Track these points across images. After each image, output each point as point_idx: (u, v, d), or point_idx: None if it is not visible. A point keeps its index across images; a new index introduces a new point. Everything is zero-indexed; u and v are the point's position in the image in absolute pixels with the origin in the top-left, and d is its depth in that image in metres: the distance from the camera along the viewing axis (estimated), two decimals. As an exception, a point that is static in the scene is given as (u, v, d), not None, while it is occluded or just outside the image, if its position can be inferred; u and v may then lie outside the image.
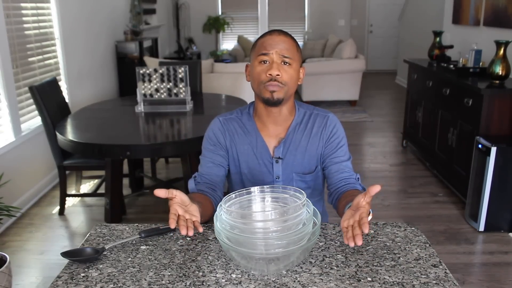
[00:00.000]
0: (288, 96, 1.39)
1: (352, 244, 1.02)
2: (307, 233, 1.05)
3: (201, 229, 1.13)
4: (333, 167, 1.46)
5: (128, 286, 1.04)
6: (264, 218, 1.13)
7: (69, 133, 2.62)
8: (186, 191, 1.42)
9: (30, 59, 3.47)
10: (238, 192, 1.17)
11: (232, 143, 1.48)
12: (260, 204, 1.19)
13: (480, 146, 2.80)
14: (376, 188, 1.04)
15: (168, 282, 1.05)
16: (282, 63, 1.35)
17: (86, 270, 1.11)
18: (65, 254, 1.15)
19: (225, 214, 1.08)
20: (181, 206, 1.13)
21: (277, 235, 1.02)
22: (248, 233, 1.04)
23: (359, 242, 1.00)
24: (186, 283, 1.05)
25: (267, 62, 1.35)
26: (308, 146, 1.46)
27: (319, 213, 1.13)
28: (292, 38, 1.40)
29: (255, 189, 1.18)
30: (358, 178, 1.46)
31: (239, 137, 1.47)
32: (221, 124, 1.49)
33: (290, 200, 1.14)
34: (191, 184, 1.46)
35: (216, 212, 1.12)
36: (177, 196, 1.12)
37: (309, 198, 1.14)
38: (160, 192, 1.09)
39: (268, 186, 1.19)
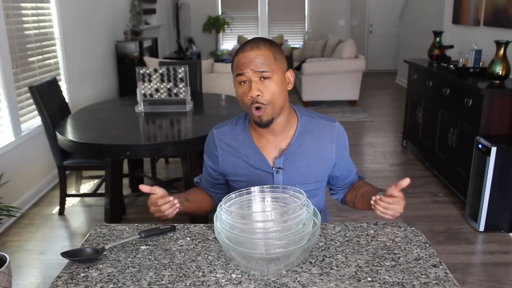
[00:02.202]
0: (277, 111, 1.32)
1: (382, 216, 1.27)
2: (307, 233, 1.05)
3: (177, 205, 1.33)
4: (344, 178, 1.54)
5: (128, 286, 1.04)
6: (264, 218, 1.13)
7: (69, 133, 2.62)
8: (186, 191, 1.53)
9: (30, 59, 3.46)
10: (238, 192, 1.17)
11: (224, 158, 1.45)
12: (260, 204, 1.18)
13: (480, 146, 2.80)
14: (406, 181, 1.24)
15: (168, 282, 1.05)
16: (261, 78, 1.28)
17: (86, 270, 1.11)
18: (65, 254, 1.15)
19: (225, 214, 1.08)
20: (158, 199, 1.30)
21: (277, 235, 1.02)
22: (248, 233, 1.04)
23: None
24: (186, 283, 1.05)
25: (246, 82, 1.29)
26: (314, 158, 1.41)
27: (319, 213, 1.13)
28: (268, 46, 1.31)
29: (255, 189, 1.18)
30: (357, 172, 1.59)
31: (233, 151, 1.43)
32: (213, 139, 1.47)
33: (290, 200, 1.14)
34: (195, 180, 1.63)
35: (216, 212, 1.12)
36: (158, 192, 1.30)
37: (309, 198, 1.15)
38: (144, 188, 1.28)
39: (268, 186, 1.19)
